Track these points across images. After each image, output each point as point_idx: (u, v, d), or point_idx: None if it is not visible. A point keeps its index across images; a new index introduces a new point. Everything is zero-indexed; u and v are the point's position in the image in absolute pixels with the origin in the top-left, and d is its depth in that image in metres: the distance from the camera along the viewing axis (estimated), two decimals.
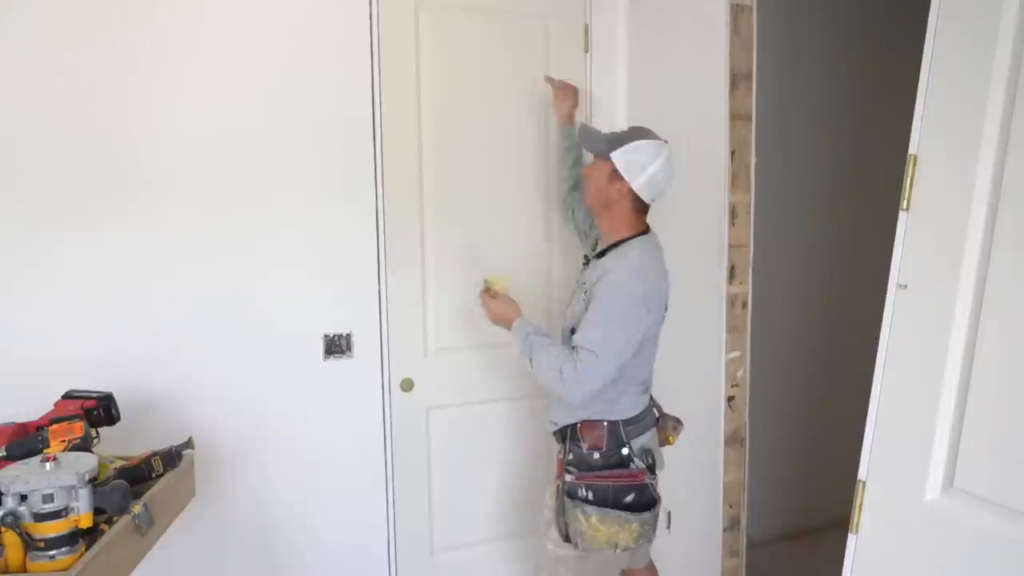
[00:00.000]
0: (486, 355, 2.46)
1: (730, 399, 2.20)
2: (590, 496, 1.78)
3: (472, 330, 2.43)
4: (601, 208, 1.87)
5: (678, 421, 2.00)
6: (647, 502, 1.81)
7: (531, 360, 1.78)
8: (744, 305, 2.19)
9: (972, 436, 1.21)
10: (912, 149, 1.29)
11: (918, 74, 1.29)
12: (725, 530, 2.25)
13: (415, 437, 2.39)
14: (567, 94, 2.28)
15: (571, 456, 1.85)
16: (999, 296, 1.17)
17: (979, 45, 1.19)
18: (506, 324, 1.88)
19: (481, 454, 2.49)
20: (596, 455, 1.82)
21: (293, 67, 2.11)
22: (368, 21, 2.18)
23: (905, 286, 1.30)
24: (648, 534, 1.81)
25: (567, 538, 1.81)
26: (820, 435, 3.11)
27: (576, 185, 2.25)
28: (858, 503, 1.37)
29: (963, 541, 1.20)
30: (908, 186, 1.30)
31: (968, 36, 1.22)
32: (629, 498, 1.79)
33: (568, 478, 1.81)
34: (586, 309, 1.78)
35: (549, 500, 1.93)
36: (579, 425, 1.84)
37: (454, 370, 2.42)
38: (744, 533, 2.30)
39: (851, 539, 1.38)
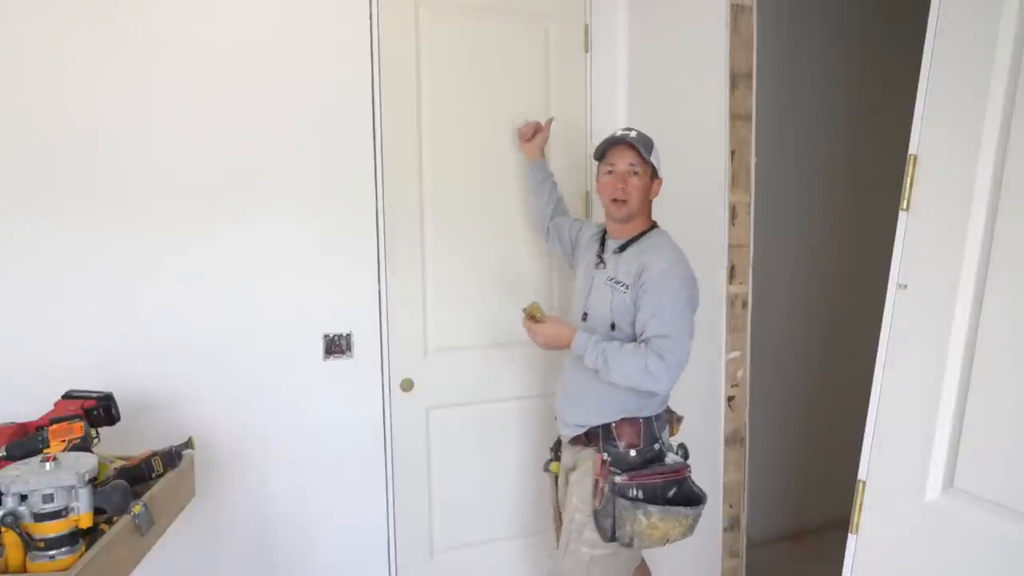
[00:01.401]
0: (486, 355, 2.46)
1: (730, 399, 2.20)
2: (640, 495, 1.78)
3: (472, 330, 2.43)
4: (640, 210, 1.91)
5: (678, 414, 2.03)
6: (686, 494, 1.83)
7: (607, 366, 1.78)
8: (744, 305, 2.19)
9: (972, 436, 1.21)
10: (912, 149, 1.29)
11: (918, 74, 1.29)
12: (725, 530, 2.25)
13: (415, 437, 2.39)
14: (533, 129, 2.30)
15: (606, 456, 1.84)
16: (999, 296, 1.17)
17: (979, 45, 1.20)
18: (563, 343, 1.88)
19: (481, 454, 2.49)
20: (633, 453, 1.85)
21: (293, 66, 2.11)
22: (368, 21, 2.18)
23: (905, 286, 1.30)
24: (695, 527, 1.83)
25: (612, 538, 1.80)
26: (820, 435, 3.11)
27: (558, 210, 2.30)
28: (858, 503, 1.37)
29: (963, 541, 1.20)
30: (908, 186, 1.30)
31: (968, 36, 1.22)
32: (672, 492, 1.82)
33: (618, 479, 1.79)
34: (634, 304, 1.82)
35: (580, 504, 1.88)
36: (614, 424, 1.86)
37: (454, 370, 2.42)
38: (744, 533, 2.30)
39: (851, 539, 1.38)
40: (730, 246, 2.14)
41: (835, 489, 2.30)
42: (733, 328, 2.17)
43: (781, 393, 2.99)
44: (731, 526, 2.26)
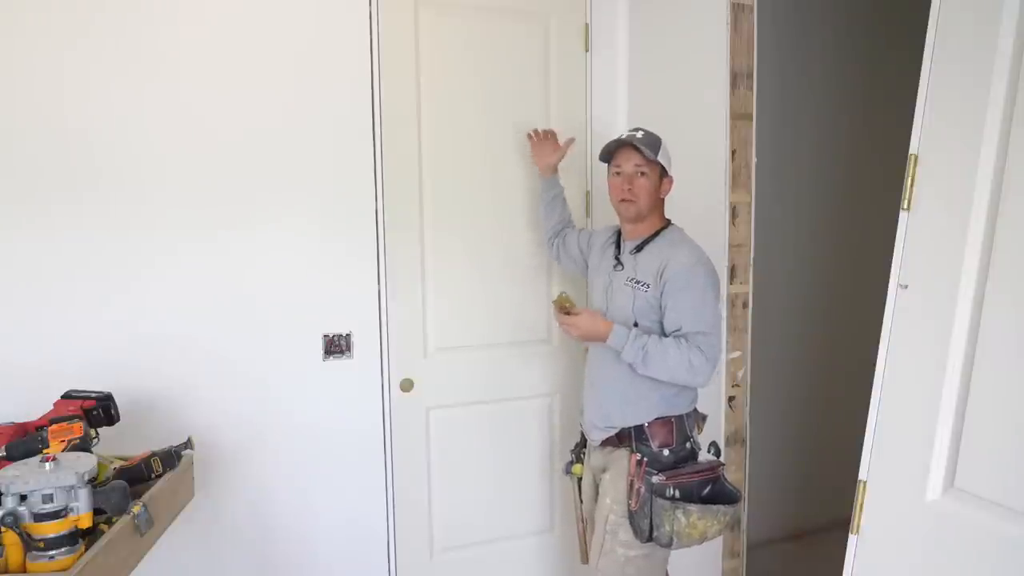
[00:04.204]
0: (486, 355, 2.46)
1: (731, 399, 2.20)
2: (677, 495, 1.78)
3: (472, 330, 2.43)
4: (651, 209, 1.91)
5: (702, 413, 2.00)
6: (720, 492, 1.84)
7: (647, 360, 1.78)
8: (744, 305, 2.19)
9: (973, 436, 1.20)
10: (913, 149, 1.29)
11: (919, 73, 1.29)
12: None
13: (415, 437, 2.38)
14: (551, 146, 2.30)
15: (639, 456, 1.84)
16: (1000, 296, 1.17)
17: (980, 45, 1.19)
18: (601, 335, 1.85)
19: (481, 454, 2.49)
20: (667, 452, 1.84)
21: (292, 67, 2.11)
22: (368, 21, 2.18)
23: (906, 286, 1.30)
24: (729, 525, 1.84)
25: (649, 538, 1.80)
26: (820, 435, 3.11)
27: (565, 226, 2.30)
28: (859, 503, 1.37)
29: (964, 541, 1.20)
30: (909, 186, 1.30)
31: (969, 36, 1.22)
32: (707, 491, 1.82)
33: (655, 480, 1.79)
34: (657, 301, 1.82)
35: (614, 505, 1.86)
36: (647, 424, 1.85)
37: (454, 370, 2.42)
38: (744, 533, 2.30)
39: (852, 539, 1.38)
40: (730, 246, 2.14)
41: (835, 489, 2.30)
42: (733, 328, 2.17)
43: (781, 393, 2.99)
44: (731, 526, 2.26)
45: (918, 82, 1.29)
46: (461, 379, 2.44)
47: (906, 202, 1.30)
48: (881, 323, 1.34)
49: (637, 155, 1.87)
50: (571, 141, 2.31)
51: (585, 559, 2.05)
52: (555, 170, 2.30)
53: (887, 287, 1.33)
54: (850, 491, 1.39)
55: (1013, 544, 1.13)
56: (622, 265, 1.94)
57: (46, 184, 1.90)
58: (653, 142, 1.88)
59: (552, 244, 2.31)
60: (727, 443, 2.21)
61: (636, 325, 1.85)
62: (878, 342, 1.34)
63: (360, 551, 2.33)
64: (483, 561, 2.52)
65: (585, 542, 2.08)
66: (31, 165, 1.89)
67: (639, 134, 1.90)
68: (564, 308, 1.91)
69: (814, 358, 3.11)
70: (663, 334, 1.83)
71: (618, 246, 1.99)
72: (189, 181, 2.03)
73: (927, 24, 1.27)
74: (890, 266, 1.32)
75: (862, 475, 1.36)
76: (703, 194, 2.19)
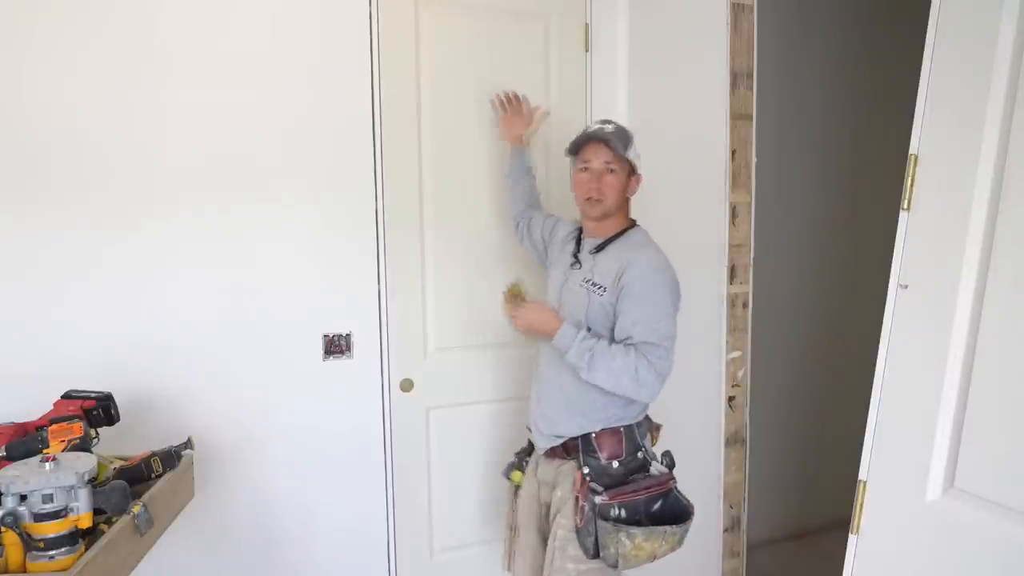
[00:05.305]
0: (486, 355, 2.46)
1: (731, 399, 2.20)
2: (623, 514, 1.68)
3: (472, 330, 2.43)
4: (617, 207, 1.82)
5: (656, 423, 1.95)
6: (672, 507, 1.75)
7: (592, 364, 1.68)
8: (744, 305, 2.19)
9: (973, 436, 1.20)
10: (913, 149, 1.29)
11: (919, 73, 1.29)
12: (725, 531, 2.25)
13: (415, 437, 2.39)
14: (517, 115, 2.24)
15: (587, 470, 1.76)
16: (1000, 296, 1.17)
17: (980, 45, 1.19)
18: (547, 331, 1.75)
19: (481, 454, 2.49)
20: (616, 464, 1.76)
21: (292, 67, 2.11)
22: (368, 21, 2.18)
23: (906, 286, 1.30)
24: (683, 541, 1.75)
25: (596, 555, 1.71)
26: (820, 435, 3.11)
27: (532, 203, 2.22)
28: (859, 503, 1.37)
29: (964, 541, 1.20)
30: (909, 186, 1.29)
31: (969, 35, 1.22)
32: (656, 506, 1.73)
33: (598, 499, 1.69)
34: (612, 307, 1.73)
35: (563, 520, 1.78)
36: (594, 435, 1.77)
37: (454, 370, 2.42)
38: (744, 533, 2.30)
39: (852, 540, 1.38)
40: (730, 246, 2.14)
41: (835, 489, 2.30)
42: (733, 328, 2.17)
43: (781, 393, 2.99)
44: (731, 526, 2.26)
45: (918, 82, 1.29)
46: (461, 379, 2.44)
47: (906, 202, 1.30)
48: (881, 323, 1.34)
49: (607, 151, 1.77)
50: (544, 114, 2.22)
51: (508, 567, 2.00)
52: (524, 140, 2.22)
53: (887, 287, 1.33)
54: (850, 491, 1.39)
55: (1013, 544, 1.13)
56: (580, 264, 1.85)
57: (47, 184, 1.90)
58: (624, 137, 1.78)
59: (518, 226, 2.22)
60: (727, 443, 2.21)
61: (588, 331, 1.76)
62: (878, 342, 1.34)
63: (360, 551, 2.33)
64: (483, 561, 2.52)
65: (511, 551, 2.00)
66: (34, 164, 1.89)
67: (609, 127, 1.79)
68: (516, 295, 1.85)
69: (814, 358, 3.11)
70: (613, 341, 1.73)
71: (578, 243, 1.90)
72: (190, 182, 2.03)
73: (927, 24, 1.27)
74: (890, 266, 1.32)
75: (862, 475, 1.36)
76: (703, 194, 2.19)
